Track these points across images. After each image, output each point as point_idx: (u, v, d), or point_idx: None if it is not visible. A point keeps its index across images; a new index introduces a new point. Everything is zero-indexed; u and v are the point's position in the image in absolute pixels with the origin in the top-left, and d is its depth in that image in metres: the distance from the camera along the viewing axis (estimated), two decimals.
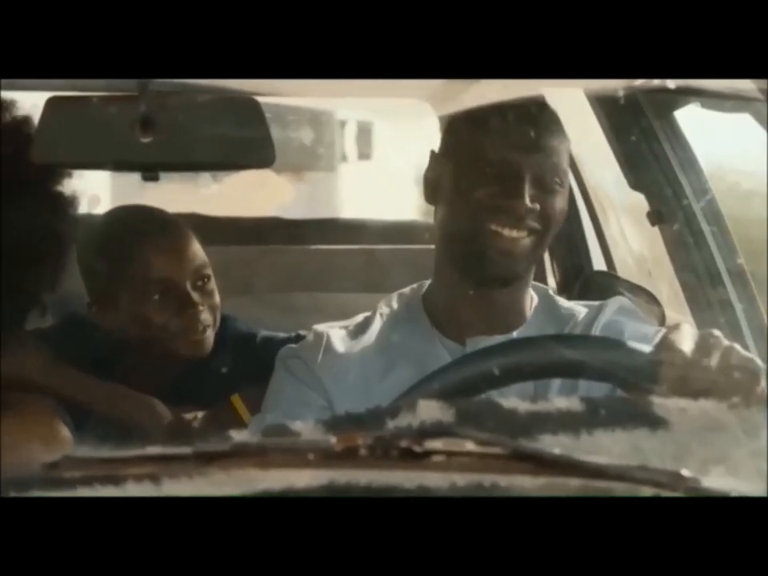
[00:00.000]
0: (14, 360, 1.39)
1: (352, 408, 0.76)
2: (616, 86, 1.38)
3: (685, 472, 0.63)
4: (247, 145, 1.77)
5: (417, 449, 0.63)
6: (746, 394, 0.90)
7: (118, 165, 1.89)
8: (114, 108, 1.66)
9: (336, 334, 1.25)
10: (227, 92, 1.68)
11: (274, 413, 1.17)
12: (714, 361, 0.93)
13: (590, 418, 0.72)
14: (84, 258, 1.50)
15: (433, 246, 1.28)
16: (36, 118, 1.11)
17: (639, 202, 1.69)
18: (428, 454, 0.64)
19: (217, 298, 1.48)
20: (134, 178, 1.90)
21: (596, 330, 1.22)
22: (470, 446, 0.64)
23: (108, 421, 1.40)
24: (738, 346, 0.96)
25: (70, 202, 1.16)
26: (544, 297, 1.29)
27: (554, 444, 0.68)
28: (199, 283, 1.46)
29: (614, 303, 1.26)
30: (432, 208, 1.28)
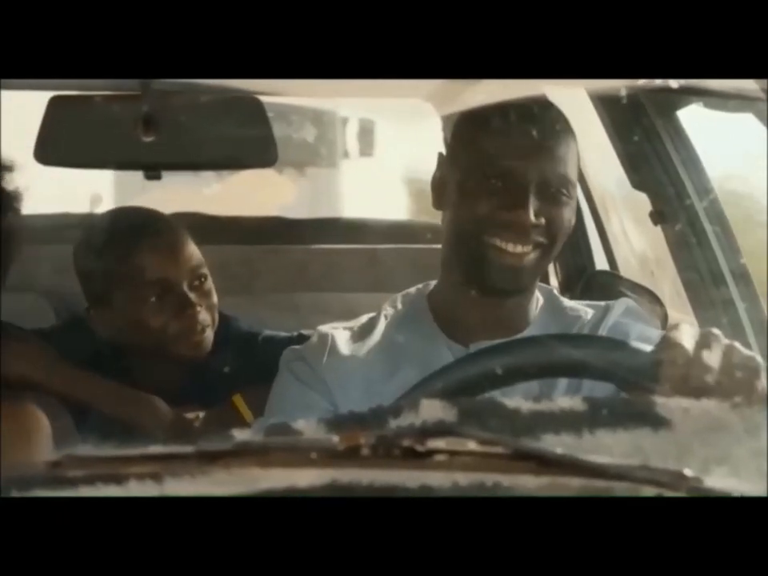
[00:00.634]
0: (17, 359, 1.39)
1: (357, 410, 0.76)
2: (618, 85, 1.38)
3: (687, 472, 0.63)
4: (249, 144, 1.77)
5: (419, 448, 0.63)
6: (748, 393, 0.90)
7: (120, 164, 1.90)
8: (117, 107, 1.66)
9: (340, 335, 1.24)
10: (230, 92, 1.68)
11: (278, 417, 1.17)
12: (715, 359, 0.93)
13: (593, 418, 0.72)
14: (80, 260, 1.49)
15: (437, 246, 1.28)
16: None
17: (642, 201, 1.69)
18: (430, 453, 0.64)
19: (214, 297, 1.48)
20: (136, 177, 1.90)
21: (603, 332, 1.21)
22: (472, 445, 0.64)
23: (110, 420, 1.40)
24: (738, 345, 0.96)
25: (12, 197, 1.15)
26: (549, 297, 1.28)
27: (556, 444, 0.68)
28: (196, 283, 1.46)
29: (621, 305, 1.26)
30: (429, 207, 1.27)
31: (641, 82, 1.30)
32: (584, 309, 1.26)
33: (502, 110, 1.17)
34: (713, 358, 0.92)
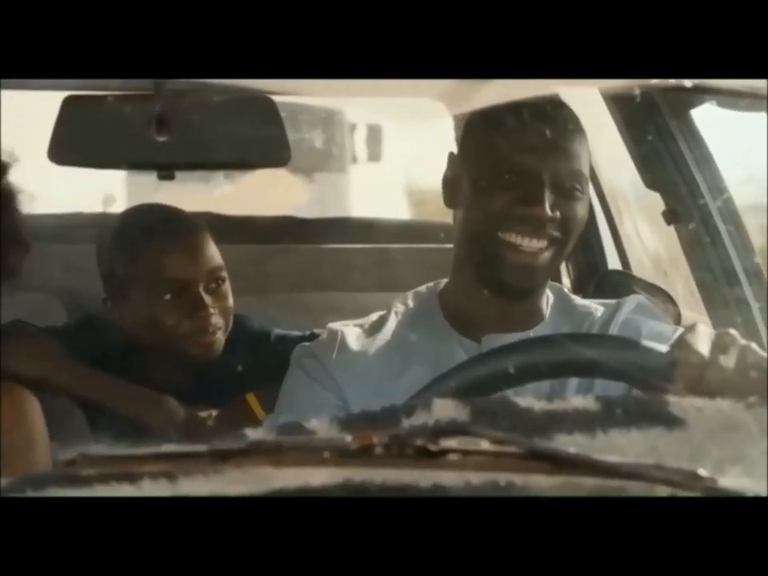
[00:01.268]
0: (30, 358, 1.40)
1: (367, 406, 0.76)
2: (632, 84, 1.37)
3: (701, 471, 0.62)
4: (262, 144, 1.77)
5: (432, 447, 0.63)
6: (763, 393, 0.90)
7: (133, 164, 1.90)
8: (130, 107, 1.66)
9: (351, 332, 1.24)
10: (243, 91, 1.68)
11: (288, 413, 1.17)
12: (731, 360, 0.93)
13: (606, 417, 0.72)
14: (102, 253, 1.50)
15: (449, 246, 1.28)
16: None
17: (655, 200, 1.68)
18: (443, 452, 0.64)
19: (230, 300, 1.48)
20: (148, 177, 1.91)
21: (614, 329, 1.21)
22: (485, 444, 0.64)
23: (123, 419, 1.40)
24: (754, 345, 0.96)
25: (11, 196, 1.14)
26: (560, 295, 1.28)
27: (569, 443, 0.68)
28: (213, 285, 1.46)
29: (632, 301, 1.26)
30: (438, 211, 1.27)
31: (654, 81, 1.30)
32: (594, 306, 1.26)
33: (513, 108, 1.17)
34: (729, 359, 0.92)
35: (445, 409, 0.72)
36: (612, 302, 1.27)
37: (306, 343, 1.27)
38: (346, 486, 0.63)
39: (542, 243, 1.16)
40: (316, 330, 1.46)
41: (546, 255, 1.17)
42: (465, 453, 0.64)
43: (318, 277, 1.88)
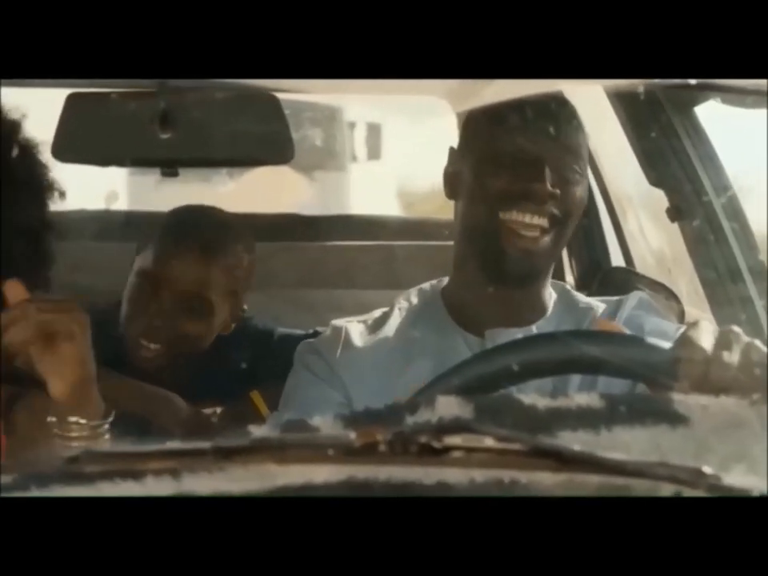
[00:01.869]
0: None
1: (371, 403, 0.76)
2: (636, 81, 1.37)
3: (706, 469, 0.62)
4: (266, 141, 1.77)
5: (436, 445, 0.63)
6: (767, 390, 0.90)
7: (137, 161, 1.91)
8: (134, 104, 1.66)
9: (354, 328, 1.25)
10: (246, 89, 1.68)
11: (292, 411, 1.17)
12: (735, 357, 0.93)
13: (610, 415, 0.72)
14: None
15: (452, 243, 1.28)
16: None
17: (659, 198, 1.68)
18: (447, 449, 0.64)
19: (196, 330, 1.43)
20: (151, 173, 1.91)
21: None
22: (489, 442, 0.64)
23: (128, 416, 1.40)
24: (758, 342, 0.96)
25: (30, 148, 1.13)
26: (562, 292, 1.28)
27: (573, 440, 0.68)
28: (186, 301, 1.42)
29: (633, 298, 1.26)
30: (439, 209, 1.28)
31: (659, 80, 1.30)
32: (596, 303, 1.26)
33: (513, 101, 1.19)
34: (732, 356, 0.92)
35: (448, 406, 0.72)
36: (614, 298, 1.27)
37: (310, 340, 1.27)
38: (349, 484, 0.63)
39: (543, 221, 1.18)
40: (319, 328, 1.46)
41: (546, 239, 1.18)
42: (469, 450, 0.64)
43: (322, 274, 1.88)
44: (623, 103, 1.69)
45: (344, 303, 1.71)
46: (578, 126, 1.22)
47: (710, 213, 1.59)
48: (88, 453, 0.65)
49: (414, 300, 1.28)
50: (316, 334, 1.43)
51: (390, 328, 1.24)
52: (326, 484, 0.63)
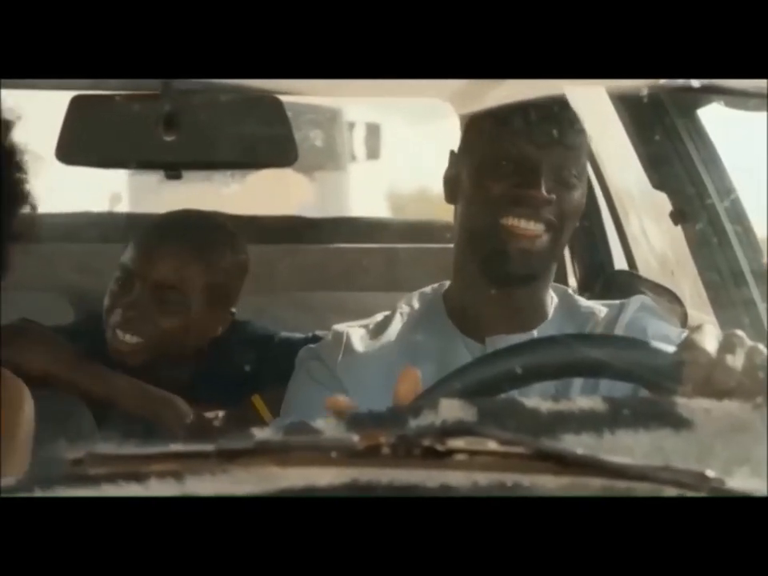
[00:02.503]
0: (39, 356, 1.40)
1: (372, 408, 0.76)
2: (639, 84, 1.37)
3: (709, 472, 0.62)
4: (270, 143, 1.77)
5: (439, 448, 0.63)
6: None
7: (141, 163, 1.91)
8: (138, 106, 1.67)
9: (356, 333, 1.25)
10: (250, 91, 1.68)
11: (293, 416, 1.17)
12: (739, 361, 0.93)
13: (613, 418, 0.72)
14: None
15: (453, 246, 1.28)
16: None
17: (662, 201, 1.68)
18: (450, 452, 0.64)
19: (170, 323, 1.43)
20: (153, 176, 1.91)
21: (619, 330, 1.22)
22: (492, 445, 0.64)
23: (131, 418, 1.40)
24: (761, 346, 0.95)
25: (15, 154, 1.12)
26: (564, 296, 1.29)
27: (576, 444, 0.68)
28: (159, 293, 1.42)
29: (636, 302, 1.26)
30: (439, 210, 1.28)
31: (662, 81, 1.30)
32: (598, 307, 1.26)
33: (513, 105, 1.20)
34: (736, 360, 0.92)
35: (451, 409, 0.72)
36: (616, 302, 1.27)
37: (311, 345, 1.27)
38: (352, 486, 0.63)
39: (539, 227, 1.18)
40: (319, 332, 1.46)
41: (544, 240, 1.19)
42: (472, 453, 0.64)
43: (324, 276, 1.89)
44: (626, 106, 1.69)
45: (345, 306, 1.71)
46: (579, 130, 1.23)
47: (713, 216, 1.58)
48: (91, 455, 0.65)
49: (416, 304, 1.28)
50: (316, 338, 1.43)
51: (392, 333, 1.24)
52: (329, 487, 0.63)
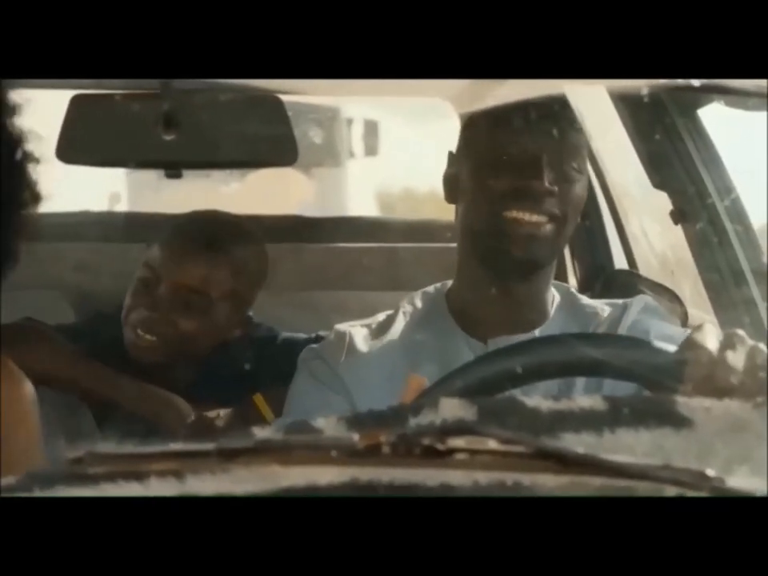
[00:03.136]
0: (39, 355, 1.40)
1: (375, 407, 0.76)
2: (639, 83, 1.37)
3: (709, 472, 0.62)
4: (270, 143, 1.77)
5: (439, 447, 0.63)
6: None
7: (141, 162, 1.91)
8: (138, 106, 1.67)
9: (358, 333, 1.24)
10: (250, 90, 1.68)
11: (296, 416, 1.17)
12: (739, 360, 0.93)
13: (613, 417, 0.72)
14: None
15: (456, 245, 1.28)
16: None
17: (662, 200, 1.68)
18: (451, 451, 0.64)
19: (190, 326, 1.43)
20: (152, 175, 1.91)
21: (622, 330, 1.21)
22: (492, 444, 0.64)
23: (131, 417, 1.41)
24: (762, 345, 0.95)
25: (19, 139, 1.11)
26: (566, 295, 1.28)
27: (576, 443, 0.68)
28: (184, 295, 1.42)
29: (639, 302, 1.26)
30: (438, 209, 1.28)
31: (662, 80, 1.30)
32: (601, 306, 1.26)
33: (512, 104, 1.20)
34: (737, 359, 0.92)
35: (452, 408, 0.72)
36: (619, 302, 1.27)
37: (314, 345, 1.27)
38: (353, 485, 0.63)
39: (542, 219, 1.19)
40: (322, 332, 1.46)
41: (547, 228, 1.19)
42: (472, 452, 0.64)
43: (327, 276, 1.88)
44: (627, 106, 1.69)
45: (348, 305, 1.71)
46: (579, 128, 1.23)
47: (714, 215, 1.58)
48: (92, 454, 0.65)
49: (419, 304, 1.28)
50: (319, 338, 1.43)
51: (395, 332, 1.24)
52: (329, 486, 0.63)
